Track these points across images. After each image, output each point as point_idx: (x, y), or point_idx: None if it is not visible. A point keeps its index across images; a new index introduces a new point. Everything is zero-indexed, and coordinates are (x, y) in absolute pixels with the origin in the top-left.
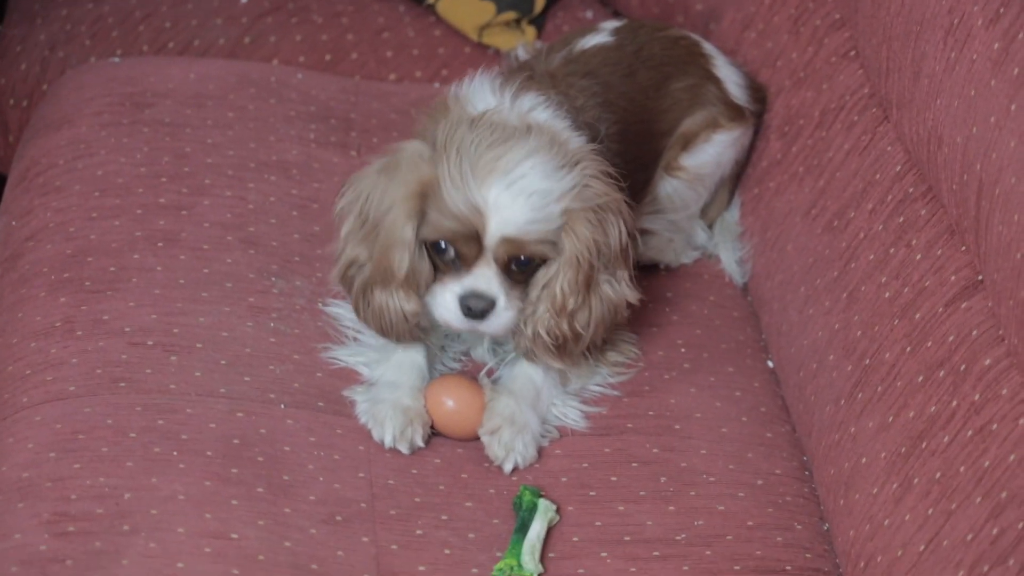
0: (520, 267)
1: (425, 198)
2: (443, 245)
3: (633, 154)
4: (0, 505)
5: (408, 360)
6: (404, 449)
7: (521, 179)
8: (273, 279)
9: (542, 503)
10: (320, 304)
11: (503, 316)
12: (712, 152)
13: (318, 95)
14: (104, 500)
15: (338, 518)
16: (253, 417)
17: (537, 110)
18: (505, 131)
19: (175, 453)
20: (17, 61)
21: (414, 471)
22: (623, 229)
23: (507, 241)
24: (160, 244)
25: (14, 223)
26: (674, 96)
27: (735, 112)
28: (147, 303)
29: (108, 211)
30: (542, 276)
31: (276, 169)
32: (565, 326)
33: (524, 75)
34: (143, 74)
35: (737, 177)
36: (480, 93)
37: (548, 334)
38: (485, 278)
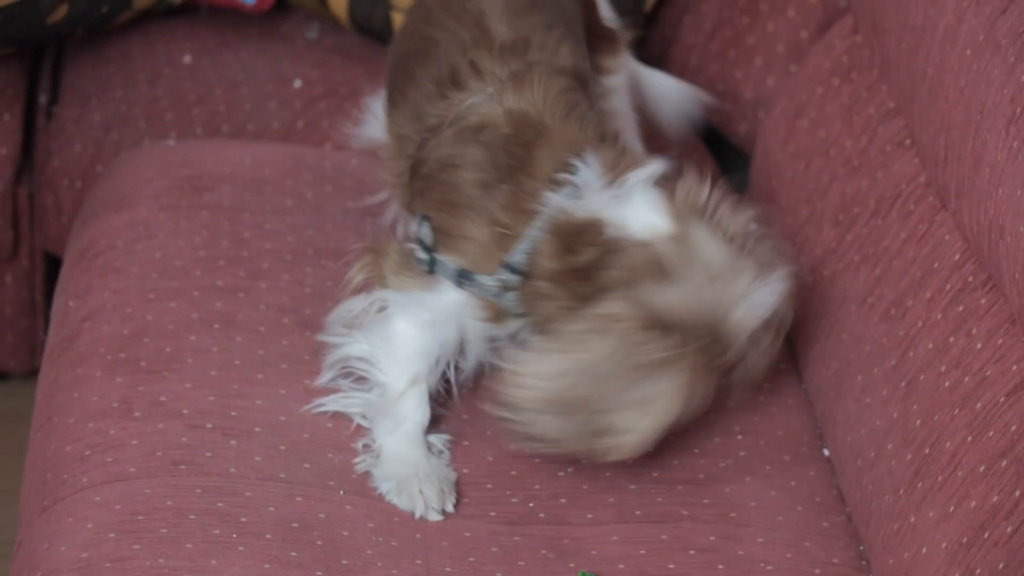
0: None
1: None
2: None
3: None
4: None
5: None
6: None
7: None
8: None
9: None
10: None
11: None
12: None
13: (373, 184)
14: None
15: None
16: (312, 502)
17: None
18: None
19: (234, 535)
20: (71, 142)
21: (471, 559)
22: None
23: None
24: (216, 326)
25: (71, 303)
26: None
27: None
28: (204, 385)
29: (165, 293)
30: None
31: (335, 256)
32: None
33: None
34: (199, 157)
35: None
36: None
37: None
38: None
